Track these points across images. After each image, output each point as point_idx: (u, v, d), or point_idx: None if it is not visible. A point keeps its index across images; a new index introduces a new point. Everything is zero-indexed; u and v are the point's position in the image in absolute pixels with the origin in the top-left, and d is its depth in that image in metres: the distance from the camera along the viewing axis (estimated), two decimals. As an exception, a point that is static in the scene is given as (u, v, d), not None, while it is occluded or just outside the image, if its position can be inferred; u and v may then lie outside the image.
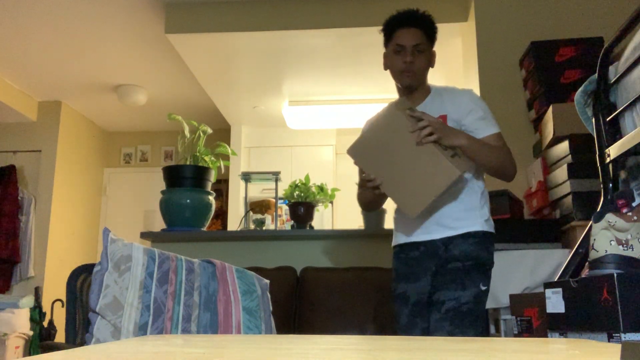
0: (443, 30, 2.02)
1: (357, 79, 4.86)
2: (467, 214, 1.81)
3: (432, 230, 1.84)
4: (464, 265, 1.77)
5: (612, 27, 1.82)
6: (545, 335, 1.49)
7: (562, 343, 0.89)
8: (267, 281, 1.90)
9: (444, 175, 1.66)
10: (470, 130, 1.82)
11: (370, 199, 1.96)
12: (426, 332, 1.83)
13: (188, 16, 3.95)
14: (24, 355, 4.31)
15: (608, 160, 1.60)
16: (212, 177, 2.95)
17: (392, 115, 1.73)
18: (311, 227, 3.10)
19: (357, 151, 1.79)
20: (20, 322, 4.35)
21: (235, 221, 5.60)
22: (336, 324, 2.57)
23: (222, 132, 5.93)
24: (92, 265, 1.65)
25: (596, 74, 1.65)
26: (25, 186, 5.62)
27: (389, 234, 2.02)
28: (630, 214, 1.30)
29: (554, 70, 2.86)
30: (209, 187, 2.92)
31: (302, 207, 3.01)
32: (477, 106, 1.86)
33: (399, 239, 1.95)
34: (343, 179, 5.74)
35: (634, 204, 1.33)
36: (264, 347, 0.77)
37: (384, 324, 2.48)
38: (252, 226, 3.29)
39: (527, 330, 1.76)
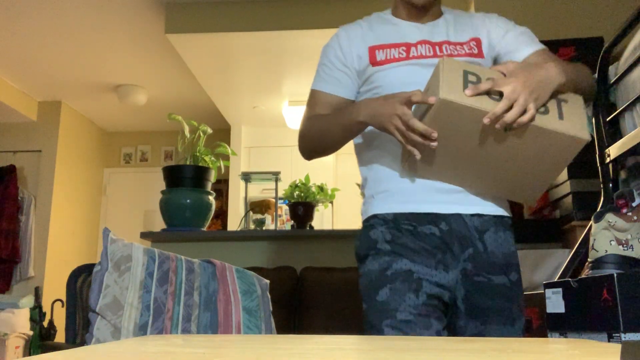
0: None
1: (357, 79, 4.86)
2: None
3: (459, 200, 1.26)
4: (511, 282, 1.27)
5: (612, 27, 1.82)
6: (545, 335, 1.49)
7: (562, 343, 0.90)
8: (267, 281, 1.90)
9: (565, 151, 1.16)
10: (511, 49, 1.35)
11: (344, 134, 1.31)
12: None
13: (188, 16, 3.95)
14: (24, 355, 4.31)
15: (608, 160, 1.60)
16: (212, 177, 2.95)
17: (446, 112, 1.11)
18: (311, 227, 3.10)
19: (416, 164, 1.22)
20: (20, 322, 4.36)
21: (235, 221, 5.60)
22: (336, 324, 2.56)
23: (222, 132, 5.94)
24: (92, 265, 1.65)
25: (596, 74, 1.65)
26: (25, 186, 5.62)
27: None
28: (630, 214, 1.30)
29: (554, 70, 2.85)
30: (209, 187, 2.92)
31: (302, 207, 3.01)
32: (513, 24, 1.40)
33: (396, 205, 1.28)
34: (343, 179, 5.74)
35: (634, 204, 1.33)
36: (264, 347, 0.77)
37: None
38: (252, 226, 3.29)
39: (527, 330, 1.76)
